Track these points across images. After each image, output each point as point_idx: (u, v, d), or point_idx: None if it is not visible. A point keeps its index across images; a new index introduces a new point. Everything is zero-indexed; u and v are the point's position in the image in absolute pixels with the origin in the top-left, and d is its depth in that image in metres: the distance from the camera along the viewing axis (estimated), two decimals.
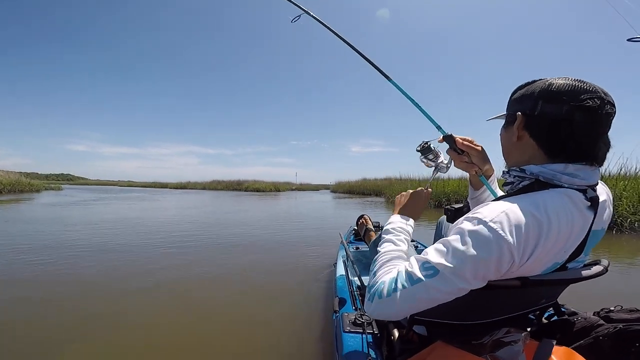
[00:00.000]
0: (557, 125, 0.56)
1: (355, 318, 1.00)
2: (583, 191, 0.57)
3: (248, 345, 1.63)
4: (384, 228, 0.83)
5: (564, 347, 0.57)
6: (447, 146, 0.88)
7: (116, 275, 2.69)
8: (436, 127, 0.92)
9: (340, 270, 1.68)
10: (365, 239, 1.85)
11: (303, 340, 1.63)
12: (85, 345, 1.57)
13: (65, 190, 22.18)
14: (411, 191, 0.92)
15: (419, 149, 0.94)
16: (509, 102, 0.68)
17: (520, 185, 0.63)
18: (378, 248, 0.76)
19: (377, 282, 0.64)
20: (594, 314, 0.71)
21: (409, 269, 0.58)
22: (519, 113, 0.61)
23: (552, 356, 0.54)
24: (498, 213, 0.52)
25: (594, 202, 0.58)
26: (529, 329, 0.74)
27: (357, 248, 2.15)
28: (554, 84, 0.58)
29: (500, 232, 0.50)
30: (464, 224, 0.55)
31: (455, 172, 12.62)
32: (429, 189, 0.93)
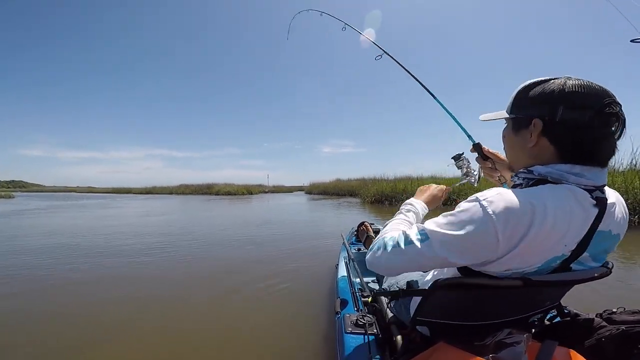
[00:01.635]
0: (580, 132, 0.56)
1: (357, 319, 1.00)
2: (589, 191, 0.58)
3: (250, 348, 1.64)
4: (402, 206, 0.94)
5: (566, 348, 0.57)
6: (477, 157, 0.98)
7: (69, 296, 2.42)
8: (467, 136, 1.06)
9: (342, 271, 1.68)
10: (365, 245, 1.85)
11: (305, 342, 1.64)
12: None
13: (18, 198, 21.17)
14: (434, 186, 1.03)
15: (453, 156, 1.09)
16: (515, 103, 0.66)
17: (529, 185, 0.63)
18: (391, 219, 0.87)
19: (380, 238, 0.71)
20: (596, 316, 0.71)
21: (407, 232, 0.64)
22: (538, 119, 0.60)
23: (555, 358, 0.54)
24: (494, 194, 0.55)
25: (600, 202, 0.58)
26: (531, 331, 0.74)
27: (359, 249, 2.15)
28: (570, 87, 0.57)
29: (489, 210, 0.53)
30: (466, 202, 0.58)
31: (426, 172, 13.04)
32: (449, 188, 1.07)
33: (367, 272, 1.72)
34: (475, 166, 1.04)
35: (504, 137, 0.72)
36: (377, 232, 2.16)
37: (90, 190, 47.25)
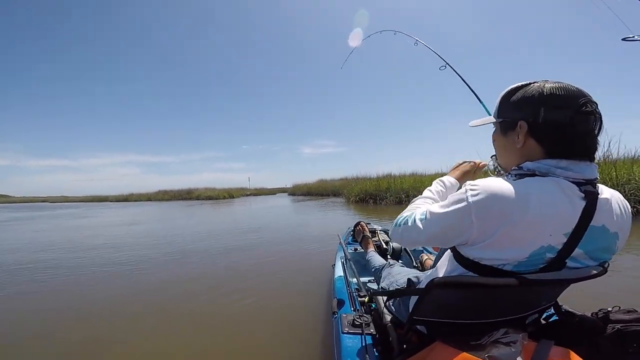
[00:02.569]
0: (561, 130, 0.61)
1: (354, 319, 1.00)
2: (578, 184, 0.60)
3: (247, 349, 1.63)
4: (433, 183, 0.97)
5: (562, 347, 0.57)
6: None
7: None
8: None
9: (339, 271, 1.68)
10: (362, 245, 1.85)
11: (302, 342, 1.63)
12: None
13: None
14: (466, 162, 1.01)
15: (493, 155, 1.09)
16: (501, 108, 0.71)
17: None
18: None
19: (402, 215, 0.78)
20: (592, 315, 0.71)
21: (416, 212, 0.72)
22: (523, 121, 0.64)
23: (551, 357, 0.54)
24: (481, 182, 0.60)
25: (588, 195, 0.59)
26: (527, 330, 0.74)
27: (356, 249, 2.15)
28: (549, 90, 0.62)
29: (469, 194, 0.59)
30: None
31: (407, 169, 13.21)
32: (483, 163, 1.01)
33: (363, 272, 1.72)
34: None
35: (494, 140, 0.76)
36: (372, 231, 2.18)
37: (64, 199, 44.42)
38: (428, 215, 0.68)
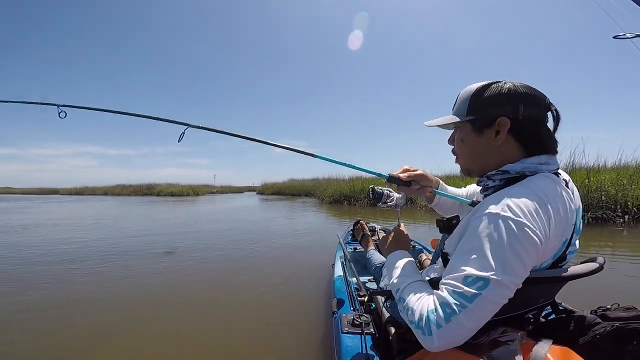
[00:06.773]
0: (537, 126, 0.65)
1: (354, 319, 1.00)
2: (556, 175, 0.64)
3: (247, 348, 1.63)
4: (385, 266, 0.83)
5: (560, 346, 0.57)
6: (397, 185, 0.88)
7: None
8: (377, 176, 0.93)
9: (339, 271, 1.68)
10: (362, 244, 1.86)
11: (302, 342, 1.63)
12: None
13: None
14: (393, 232, 0.89)
15: (372, 196, 1.06)
16: (473, 106, 0.66)
17: (509, 183, 0.64)
18: (393, 280, 0.71)
19: (423, 314, 0.56)
20: (590, 313, 0.71)
21: (457, 290, 0.53)
22: (503, 117, 0.63)
23: (549, 355, 0.53)
24: (514, 205, 0.54)
25: (566, 182, 0.65)
26: (526, 329, 0.74)
27: (355, 249, 2.15)
28: (522, 88, 0.64)
29: (522, 219, 0.53)
30: (483, 225, 0.55)
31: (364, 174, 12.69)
32: (402, 224, 0.94)
33: (363, 272, 1.72)
34: (396, 193, 1.05)
35: (461, 140, 0.71)
36: (372, 230, 2.18)
37: (9, 191, 40.29)
38: (488, 277, 0.51)
